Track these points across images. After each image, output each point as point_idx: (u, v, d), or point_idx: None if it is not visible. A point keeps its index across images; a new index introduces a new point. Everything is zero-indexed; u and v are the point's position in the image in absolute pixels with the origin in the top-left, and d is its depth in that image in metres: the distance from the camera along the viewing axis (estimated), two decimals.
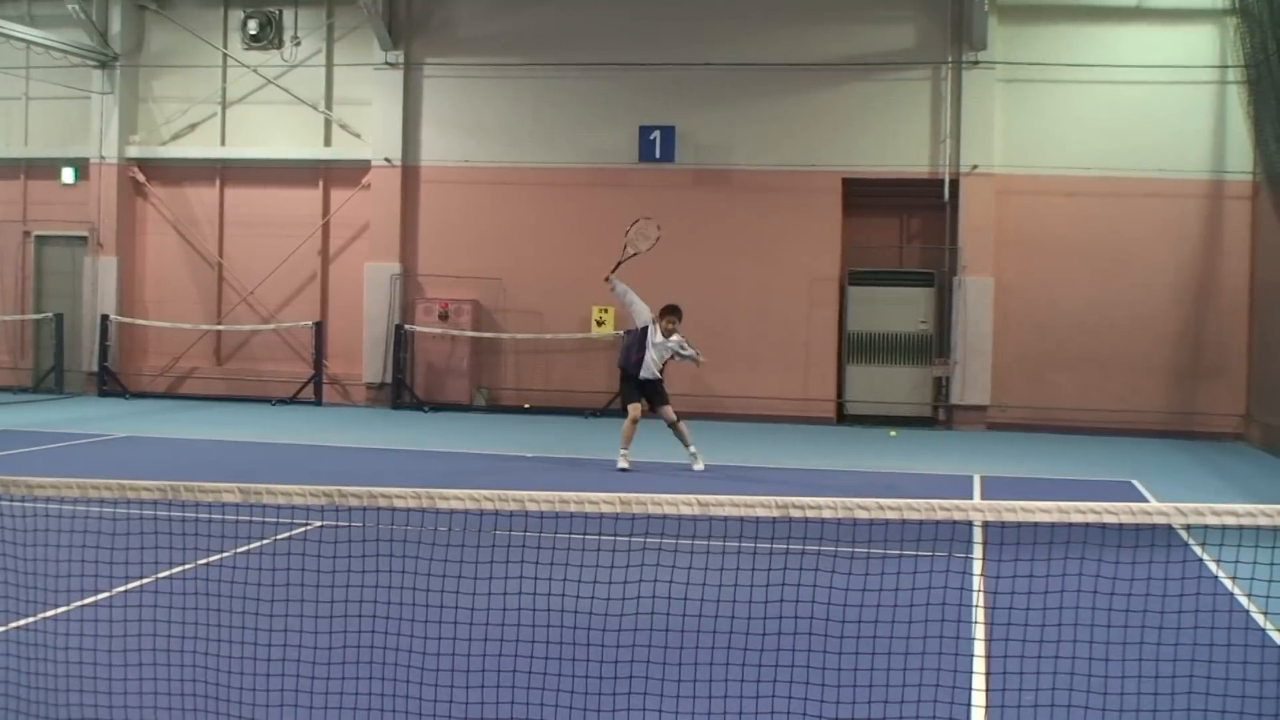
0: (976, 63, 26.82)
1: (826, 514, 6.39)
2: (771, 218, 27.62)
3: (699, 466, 19.43)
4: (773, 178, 27.61)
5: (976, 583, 11.21)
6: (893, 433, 25.75)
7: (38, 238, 31.60)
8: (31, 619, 9.11)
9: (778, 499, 6.41)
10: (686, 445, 19.76)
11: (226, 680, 7.80)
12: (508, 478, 18.45)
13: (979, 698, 8.19)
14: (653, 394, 20.03)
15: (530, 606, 8.74)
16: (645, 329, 19.78)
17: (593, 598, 8.47)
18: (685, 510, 6.49)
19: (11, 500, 7.69)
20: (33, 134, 31.60)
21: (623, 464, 19.38)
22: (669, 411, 19.95)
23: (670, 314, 20.00)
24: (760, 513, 6.43)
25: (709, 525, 8.45)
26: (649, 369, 19.80)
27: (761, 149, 27.67)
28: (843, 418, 27.41)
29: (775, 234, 27.60)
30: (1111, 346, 26.73)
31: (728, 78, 27.59)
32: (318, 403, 29.21)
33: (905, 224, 28.27)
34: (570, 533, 9.32)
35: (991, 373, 26.90)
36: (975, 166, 26.79)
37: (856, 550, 11.07)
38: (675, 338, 19.88)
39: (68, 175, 31.13)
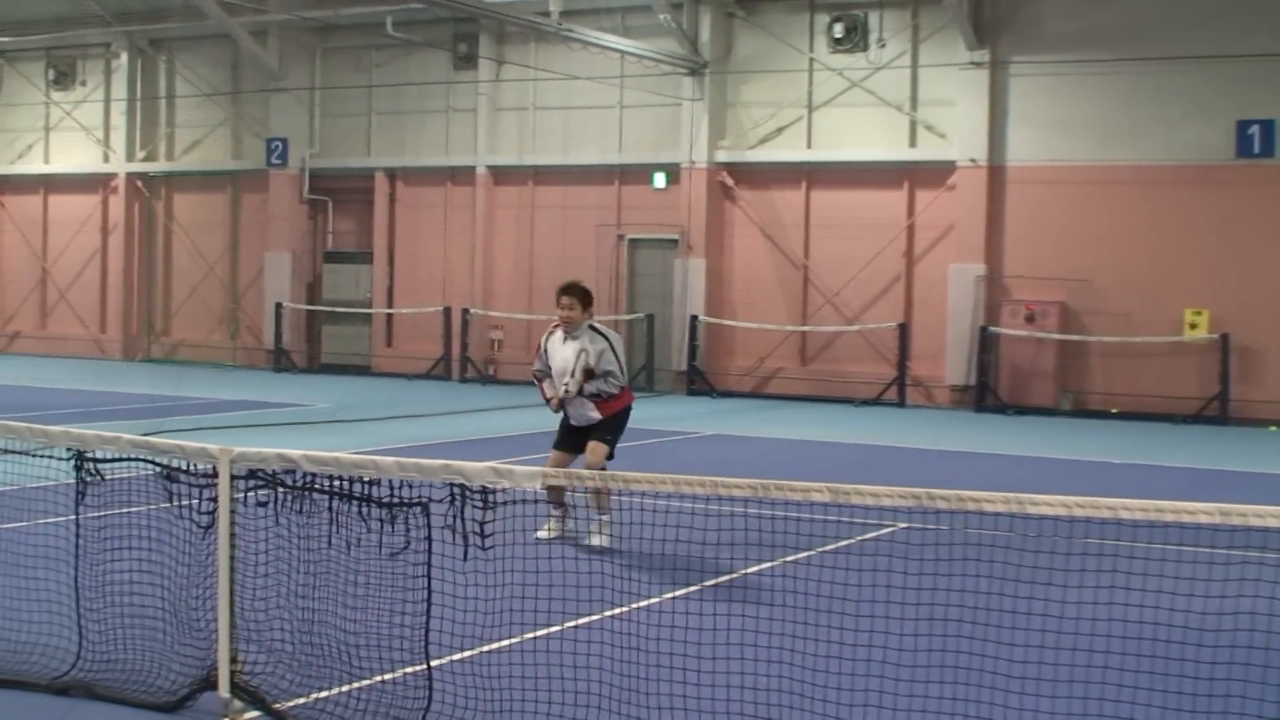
0: None
1: None
2: None
3: (596, 541, 11.97)
4: None
5: None
6: None
7: (630, 240, 32.79)
8: (624, 609, 9.44)
9: None
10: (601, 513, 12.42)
11: (811, 678, 7.88)
12: (1095, 484, 18.01)
13: None
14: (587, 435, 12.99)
15: (1121, 617, 8.48)
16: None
17: (1188, 611, 8.16)
18: None
19: (610, 494, 7.97)
20: (626, 141, 32.80)
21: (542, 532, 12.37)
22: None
23: (569, 294, 13.07)
24: None
25: None
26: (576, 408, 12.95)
27: None
28: None
29: None
30: None
31: None
32: (901, 404, 29.20)
33: None
34: (1165, 543, 9.03)
35: None
36: None
37: None
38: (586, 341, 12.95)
39: (659, 180, 32.16)
